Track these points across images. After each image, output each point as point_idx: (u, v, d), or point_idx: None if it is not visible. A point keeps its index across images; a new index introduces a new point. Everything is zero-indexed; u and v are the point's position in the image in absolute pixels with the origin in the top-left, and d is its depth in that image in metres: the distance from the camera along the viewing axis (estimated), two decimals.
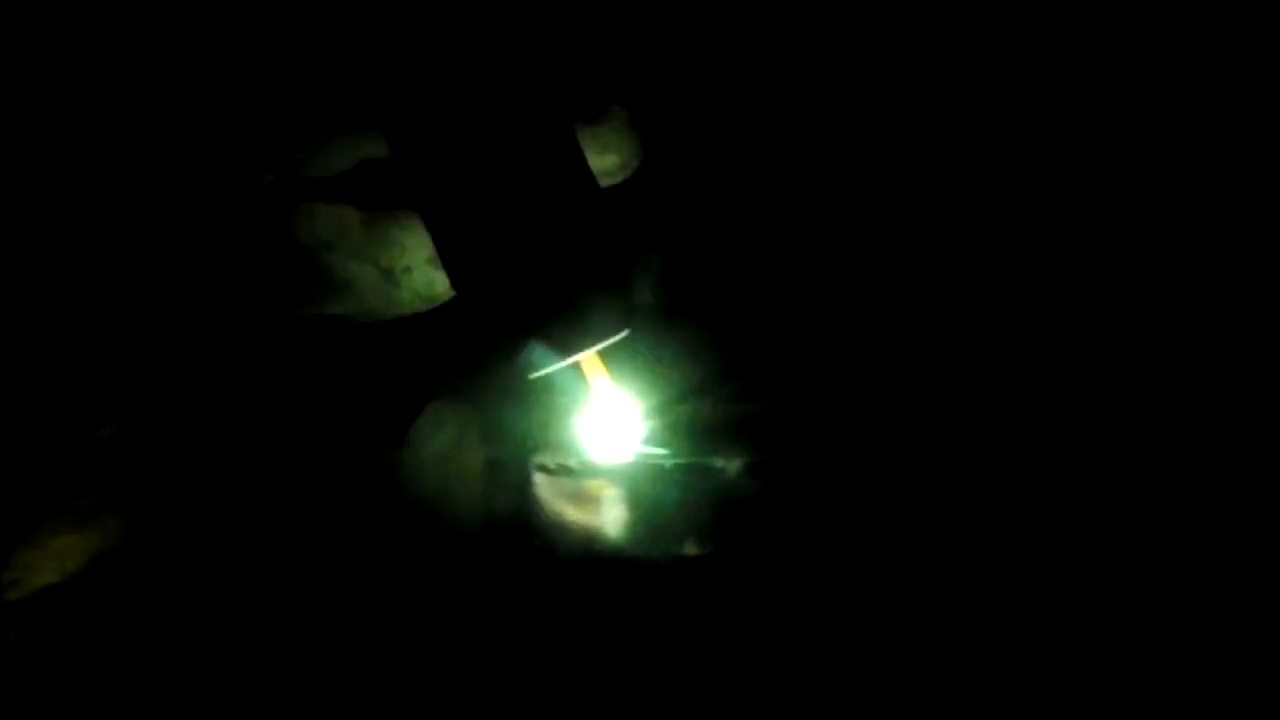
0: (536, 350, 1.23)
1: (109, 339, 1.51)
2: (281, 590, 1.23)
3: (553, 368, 1.25)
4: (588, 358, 1.30)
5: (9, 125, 1.46)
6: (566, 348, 1.24)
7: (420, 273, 1.51)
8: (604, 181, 1.46)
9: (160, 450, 1.44)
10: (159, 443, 1.45)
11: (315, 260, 1.50)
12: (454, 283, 1.28)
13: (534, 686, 1.08)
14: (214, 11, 1.42)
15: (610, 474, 1.35)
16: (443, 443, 1.40)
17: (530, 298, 1.21)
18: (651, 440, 1.37)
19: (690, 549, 1.21)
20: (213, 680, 1.13)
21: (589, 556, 1.23)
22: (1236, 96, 1.49)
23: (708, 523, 1.25)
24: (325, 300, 1.51)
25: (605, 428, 1.37)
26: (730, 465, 1.32)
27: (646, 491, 1.31)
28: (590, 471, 1.35)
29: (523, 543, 1.26)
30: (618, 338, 1.27)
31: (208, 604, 1.22)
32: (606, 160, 1.53)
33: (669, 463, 1.33)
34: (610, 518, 1.30)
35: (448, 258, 1.26)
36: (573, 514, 1.31)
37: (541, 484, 1.34)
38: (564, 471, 1.36)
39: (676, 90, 1.66)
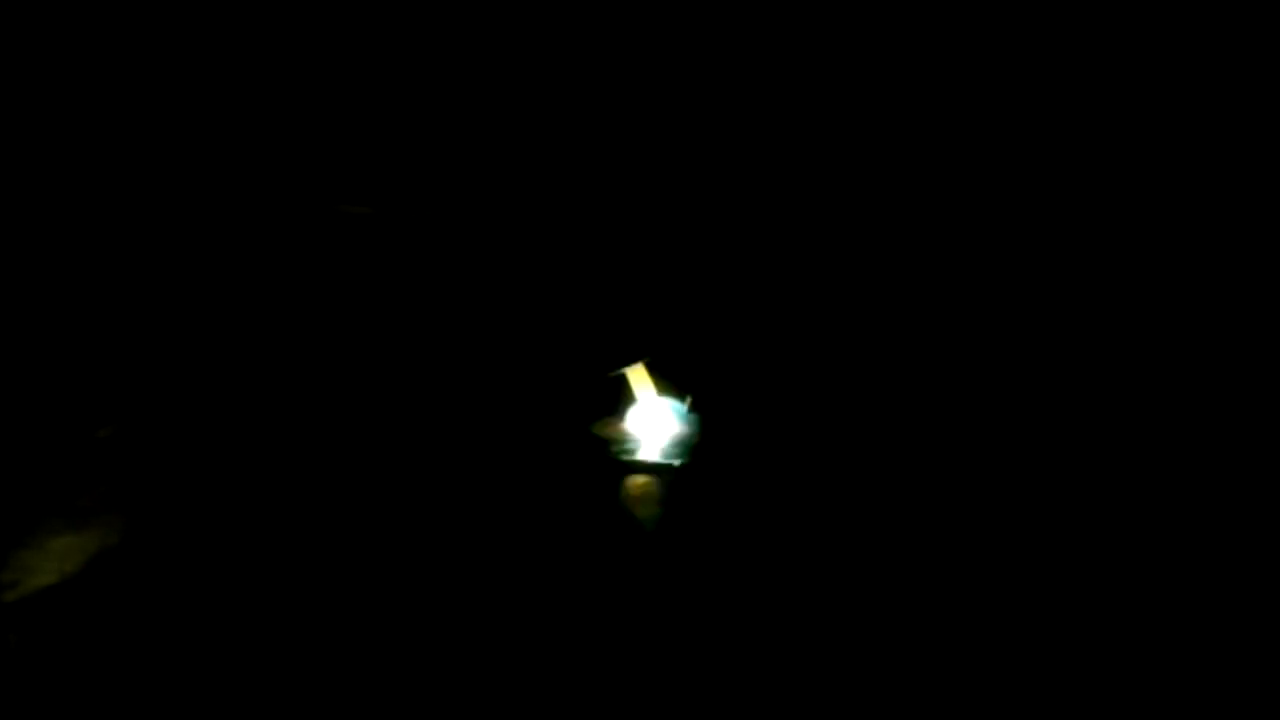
0: (591, 359, 1.34)
1: (109, 339, 1.51)
2: (282, 589, 1.22)
3: (604, 374, 1.39)
4: (634, 368, 1.44)
5: (13, 125, 1.46)
6: (615, 360, 1.38)
7: (458, 276, 1.53)
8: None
9: (160, 450, 1.43)
10: (159, 443, 1.44)
11: (350, 260, 1.50)
12: (497, 287, 1.36)
13: (559, 677, 1.08)
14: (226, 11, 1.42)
15: (649, 471, 1.43)
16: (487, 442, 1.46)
17: (580, 311, 1.30)
18: (686, 441, 1.47)
19: (719, 544, 1.25)
20: (213, 680, 1.12)
21: (624, 547, 1.27)
22: (1236, 97, 1.50)
23: (734, 520, 1.30)
24: (357, 298, 1.52)
25: (647, 430, 1.48)
26: (752, 464, 1.40)
27: (680, 488, 1.39)
28: (631, 469, 1.44)
29: (560, 536, 1.29)
30: (660, 350, 1.41)
31: (207, 604, 1.21)
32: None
33: (699, 462, 1.42)
34: (648, 512, 1.37)
35: (493, 264, 1.34)
36: (612, 508, 1.37)
37: (583, 481, 1.41)
38: (607, 468, 1.43)
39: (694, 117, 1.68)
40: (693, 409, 1.49)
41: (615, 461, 1.43)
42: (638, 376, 1.45)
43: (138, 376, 1.50)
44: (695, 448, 1.45)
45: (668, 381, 1.49)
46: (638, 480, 1.41)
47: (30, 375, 1.45)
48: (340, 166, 1.52)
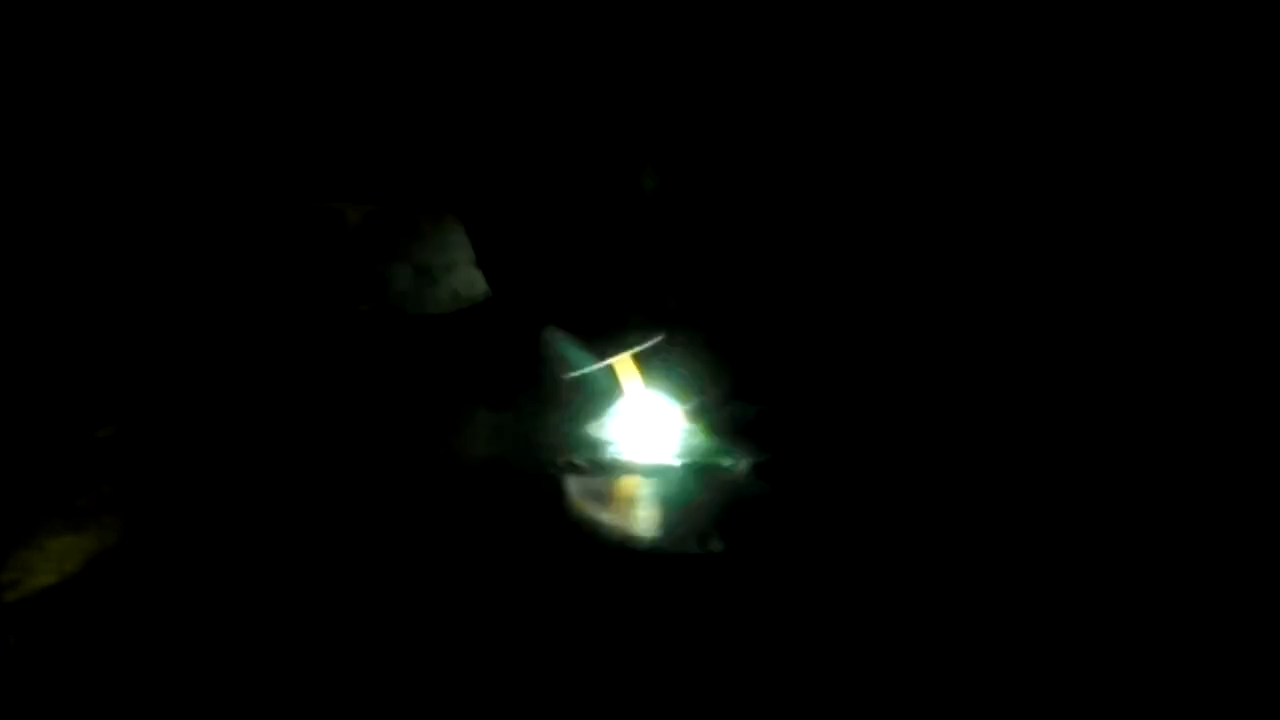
0: (573, 351, 1.29)
1: (109, 339, 1.51)
2: (283, 589, 1.22)
3: (589, 369, 1.32)
4: (622, 361, 1.38)
5: (14, 125, 1.46)
6: (603, 350, 1.32)
7: (460, 273, 1.51)
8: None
9: (159, 450, 1.43)
10: (158, 443, 1.44)
11: (350, 259, 1.51)
12: (492, 285, 1.33)
13: (554, 677, 1.08)
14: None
15: (639, 473, 1.39)
16: (481, 441, 1.44)
17: (569, 301, 1.27)
18: (679, 441, 1.42)
19: (714, 545, 1.23)
20: (213, 680, 1.12)
21: (616, 552, 1.25)
22: (1237, 97, 1.50)
23: (731, 521, 1.28)
24: (358, 298, 1.52)
25: (636, 428, 1.43)
26: (747, 465, 1.36)
27: (673, 490, 1.35)
28: (620, 470, 1.40)
29: (552, 538, 1.28)
30: (651, 342, 1.34)
31: (207, 604, 1.21)
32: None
33: (693, 463, 1.38)
34: (638, 515, 1.34)
35: (487, 261, 1.32)
36: (601, 511, 1.34)
37: (572, 481, 1.38)
38: (595, 470, 1.40)
39: (700, 117, 1.68)
40: (692, 415, 1.44)
41: (605, 463, 1.40)
42: (625, 369, 1.39)
43: (138, 376, 1.50)
44: (692, 447, 1.41)
45: (658, 374, 1.45)
46: (629, 483, 1.38)
47: (30, 375, 1.45)
48: (336, 164, 1.52)
